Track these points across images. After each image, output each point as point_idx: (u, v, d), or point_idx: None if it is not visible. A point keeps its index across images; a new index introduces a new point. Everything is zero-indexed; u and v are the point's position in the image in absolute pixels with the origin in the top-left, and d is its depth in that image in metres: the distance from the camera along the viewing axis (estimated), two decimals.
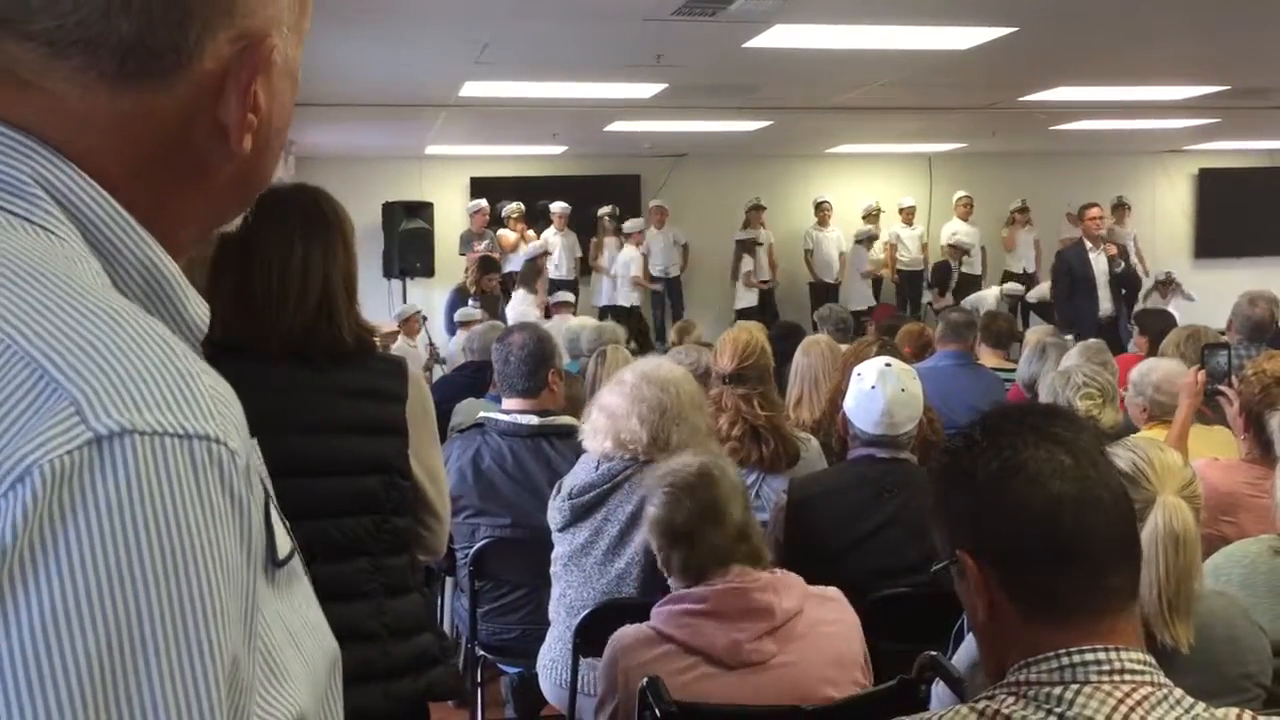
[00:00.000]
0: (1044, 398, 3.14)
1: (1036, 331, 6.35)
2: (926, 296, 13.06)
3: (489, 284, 10.10)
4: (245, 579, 0.63)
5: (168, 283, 0.73)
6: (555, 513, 3.03)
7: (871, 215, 13.45)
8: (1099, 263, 9.57)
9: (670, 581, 2.44)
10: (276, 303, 2.03)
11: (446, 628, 4.18)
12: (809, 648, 2.30)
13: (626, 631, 2.38)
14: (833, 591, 2.44)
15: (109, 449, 0.58)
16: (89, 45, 0.69)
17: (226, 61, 0.73)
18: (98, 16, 0.68)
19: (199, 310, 0.76)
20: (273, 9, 0.76)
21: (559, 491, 3.04)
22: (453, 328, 9.55)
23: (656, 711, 2.21)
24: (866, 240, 13.15)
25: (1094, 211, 9.81)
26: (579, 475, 3.03)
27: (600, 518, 2.96)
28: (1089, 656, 1.24)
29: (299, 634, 0.75)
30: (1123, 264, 9.66)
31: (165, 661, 0.57)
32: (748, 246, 12.85)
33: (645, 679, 2.27)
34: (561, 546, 3.04)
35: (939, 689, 2.20)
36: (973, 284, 12.88)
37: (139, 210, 0.72)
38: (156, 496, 0.58)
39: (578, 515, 2.99)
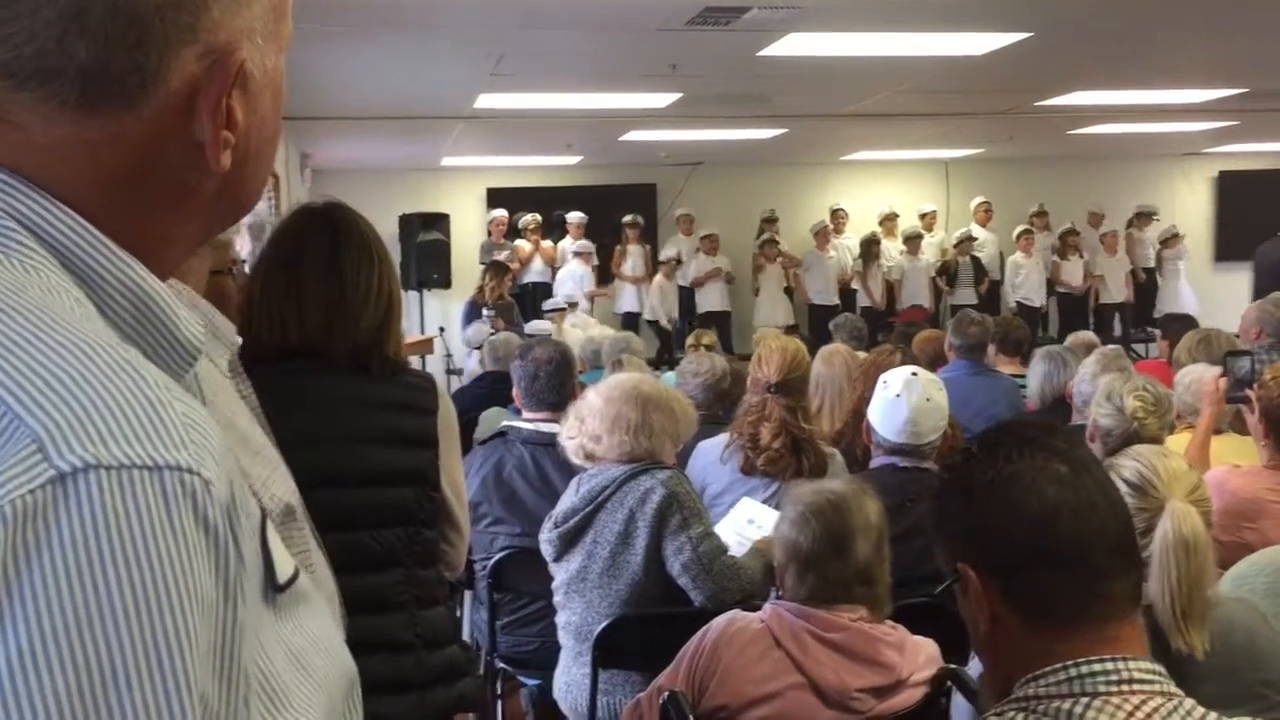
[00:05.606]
0: (1098, 396, 3.12)
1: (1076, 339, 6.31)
2: (955, 299, 12.95)
3: (503, 288, 10.09)
4: (220, 613, 0.61)
5: (154, 303, 0.71)
6: (546, 545, 3.03)
7: (887, 219, 13.40)
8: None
9: (781, 592, 2.40)
10: (360, 310, 2.14)
11: (466, 640, 4.18)
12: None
13: (737, 619, 2.33)
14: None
15: (73, 486, 0.56)
16: (47, 75, 0.67)
17: (195, 79, 0.71)
18: (53, 45, 0.66)
19: (191, 329, 0.73)
20: (241, 19, 0.73)
21: (548, 521, 3.04)
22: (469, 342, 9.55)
23: None
24: (915, 240, 13.02)
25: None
26: (563, 501, 3.03)
27: (589, 541, 2.95)
28: (1096, 667, 1.23)
29: (305, 655, 0.73)
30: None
31: (138, 701, 0.55)
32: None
33: (667, 693, 2.26)
34: (559, 575, 3.04)
35: (959, 702, 2.19)
36: (992, 286, 12.82)
37: (120, 234, 0.70)
38: (124, 532, 0.57)
39: (567, 543, 2.98)
